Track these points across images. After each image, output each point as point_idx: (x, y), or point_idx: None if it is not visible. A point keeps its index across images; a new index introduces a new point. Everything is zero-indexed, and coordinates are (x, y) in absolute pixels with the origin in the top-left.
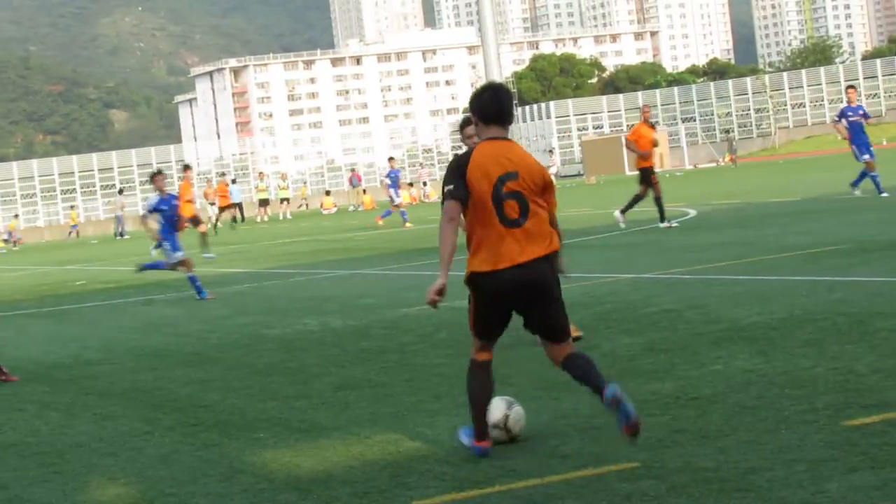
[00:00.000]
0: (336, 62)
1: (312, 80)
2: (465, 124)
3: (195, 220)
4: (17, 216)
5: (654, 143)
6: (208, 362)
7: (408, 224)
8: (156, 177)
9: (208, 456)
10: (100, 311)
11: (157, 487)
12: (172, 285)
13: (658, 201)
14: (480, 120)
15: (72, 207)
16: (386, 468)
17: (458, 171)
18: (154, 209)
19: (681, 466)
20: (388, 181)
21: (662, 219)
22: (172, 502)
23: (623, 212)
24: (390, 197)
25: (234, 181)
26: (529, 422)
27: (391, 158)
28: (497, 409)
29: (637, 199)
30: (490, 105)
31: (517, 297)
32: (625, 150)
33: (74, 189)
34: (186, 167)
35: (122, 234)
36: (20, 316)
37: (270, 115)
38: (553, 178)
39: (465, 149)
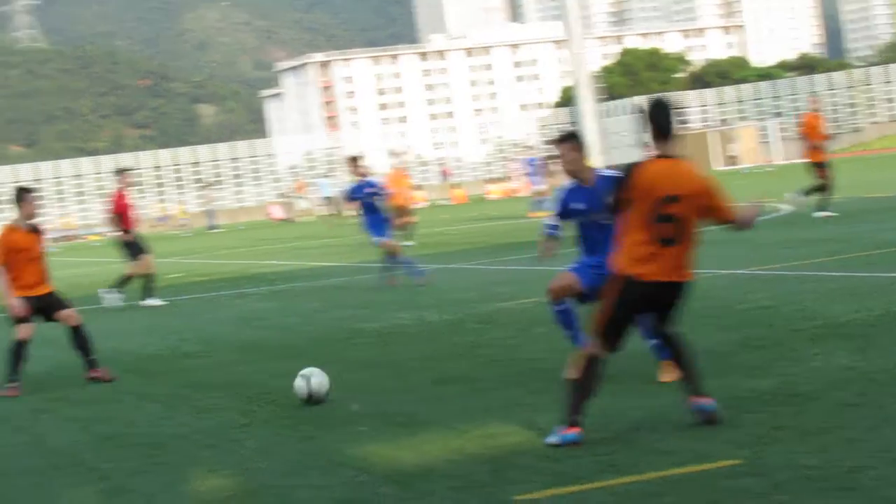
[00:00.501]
0: (422, 57)
1: (398, 75)
2: (564, 140)
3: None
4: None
5: (825, 135)
6: (304, 355)
7: (533, 214)
8: (353, 161)
9: (307, 448)
10: (196, 304)
11: (258, 479)
12: (266, 279)
13: (821, 189)
14: (657, 133)
15: (180, 203)
16: (485, 462)
17: (625, 182)
18: (352, 197)
19: (783, 464)
20: (527, 169)
21: (821, 208)
22: (273, 494)
23: (806, 194)
24: (532, 184)
25: (324, 175)
26: (630, 417)
27: (529, 147)
28: (300, 389)
29: (819, 189)
30: (665, 120)
31: (653, 308)
32: (713, 145)
33: (163, 183)
34: (398, 155)
35: (214, 228)
36: (120, 307)
37: (357, 110)
38: None
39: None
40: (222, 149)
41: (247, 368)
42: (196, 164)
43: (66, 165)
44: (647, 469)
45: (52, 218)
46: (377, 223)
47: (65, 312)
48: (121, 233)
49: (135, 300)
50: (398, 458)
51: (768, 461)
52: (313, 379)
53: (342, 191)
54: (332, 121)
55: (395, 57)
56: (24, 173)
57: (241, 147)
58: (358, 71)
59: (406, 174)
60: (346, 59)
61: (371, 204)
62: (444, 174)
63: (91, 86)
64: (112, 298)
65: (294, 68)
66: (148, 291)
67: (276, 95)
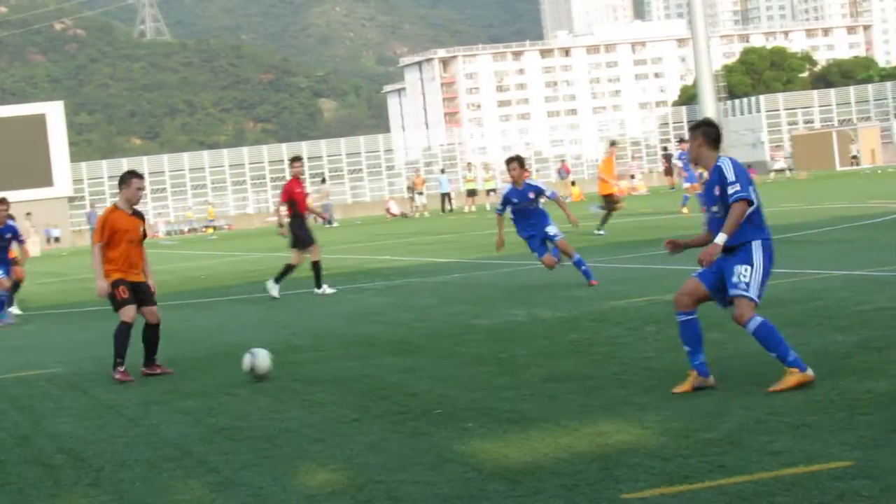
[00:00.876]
0: (545, 53)
1: (521, 72)
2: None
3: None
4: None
5: None
6: (416, 351)
7: (684, 209)
8: (511, 163)
9: (417, 444)
10: (308, 299)
11: (366, 474)
12: (381, 274)
13: None
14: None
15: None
16: (595, 461)
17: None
18: (505, 203)
19: (895, 467)
20: (680, 163)
21: None
22: (381, 489)
23: None
24: (682, 179)
25: (442, 171)
26: (740, 417)
27: (682, 140)
28: (246, 361)
29: None
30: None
31: None
32: (836, 145)
33: (284, 177)
34: (613, 143)
35: (329, 222)
36: (231, 301)
37: (479, 106)
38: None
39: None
40: (342, 144)
41: (358, 363)
42: (316, 158)
43: (187, 158)
44: (757, 469)
45: (172, 210)
46: (534, 224)
47: (149, 308)
48: (291, 220)
49: (255, 293)
50: (507, 455)
51: (880, 464)
52: (259, 358)
53: (504, 193)
54: (453, 117)
55: (518, 53)
56: (145, 165)
57: (361, 142)
58: (481, 67)
59: (614, 162)
60: (469, 56)
61: (527, 209)
62: (561, 172)
63: (214, 79)
64: (273, 288)
65: (417, 64)
66: (318, 280)
67: (398, 91)
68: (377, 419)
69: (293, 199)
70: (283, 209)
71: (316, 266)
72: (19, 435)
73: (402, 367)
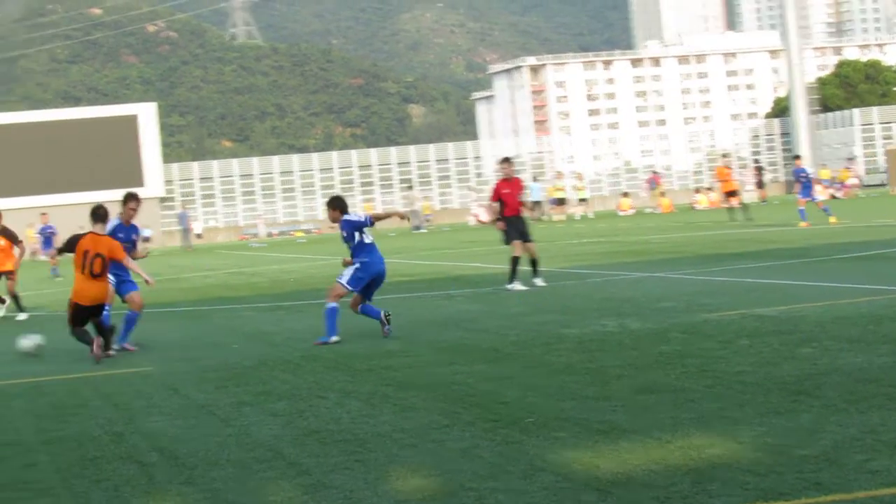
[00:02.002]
0: (635, 63)
1: (611, 81)
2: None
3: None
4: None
5: None
6: (507, 359)
7: (832, 219)
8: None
9: (508, 452)
10: (398, 304)
11: (457, 481)
12: (471, 281)
13: None
14: None
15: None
16: (688, 474)
17: None
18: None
19: None
20: (803, 177)
21: None
22: (472, 497)
23: None
24: (805, 195)
25: (535, 179)
26: (836, 434)
27: (797, 157)
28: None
29: None
30: None
31: None
32: None
33: (371, 182)
34: (725, 155)
35: (418, 228)
36: (322, 305)
37: (567, 115)
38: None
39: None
40: (431, 150)
41: (449, 370)
42: (404, 164)
43: (276, 161)
44: (855, 488)
45: (260, 213)
46: None
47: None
48: (498, 221)
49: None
50: (598, 466)
51: None
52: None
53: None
54: (541, 125)
55: (608, 63)
56: (235, 167)
57: (450, 149)
58: (570, 75)
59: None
60: (559, 64)
61: None
62: (653, 182)
63: (303, 83)
64: (514, 287)
65: (506, 71)
66: (514, 275)
67: (487, 98)
68: (468, 426)
69: (501, 199)
70: (496, 206)
71: (514, 261)
72: (113, 432)
73: (492, 375)
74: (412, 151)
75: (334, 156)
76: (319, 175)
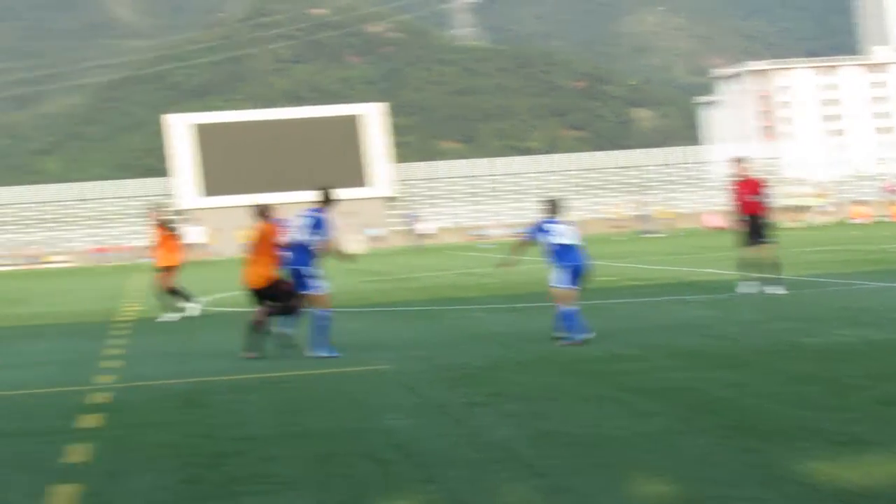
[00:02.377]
0: (863, 68)
1: (836, 87)
2: None
3: None
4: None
5: None
6: (744, 366)
7: None
8: None
9: (747, 460)
10: (630, 308)
11: (697, 488)
12: (706, 287)
13: None
14: None
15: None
16: None
17: None
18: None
19: None
20: None
21: None
22: None
23: None
24: None
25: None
26: None
27: None
28: None
29: None
30: None
31: None
32: None
33: (596, 185)
34: None
35: (647, 232)
36: (553, 308)
37: (793, 121)
38: None
39: None
40: (656, 154)
41: (685, 375)
42: (631, 168)
43: (500, 163)
44: None
45: (488, 214)
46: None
47: None
48: (741, 220)
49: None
50: (841, 478)
51: None
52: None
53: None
54: (767, 131)
55: (834, 68)
56: (462, 168)
57: (676, 153)
58: (796, 81)
59: None
60: (785, 69)
61: None
62: (888, 190)
63: (527, 85)
64: (748, 287)
65: (731, 76)
66: (760, 280)
67: (712, 102)
68: (705, 433)
69: (738, 200)
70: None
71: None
72: (352, 429)
73: (729, 382)
74: (637, 156)
75: (558, 158)
76: (543, 178)
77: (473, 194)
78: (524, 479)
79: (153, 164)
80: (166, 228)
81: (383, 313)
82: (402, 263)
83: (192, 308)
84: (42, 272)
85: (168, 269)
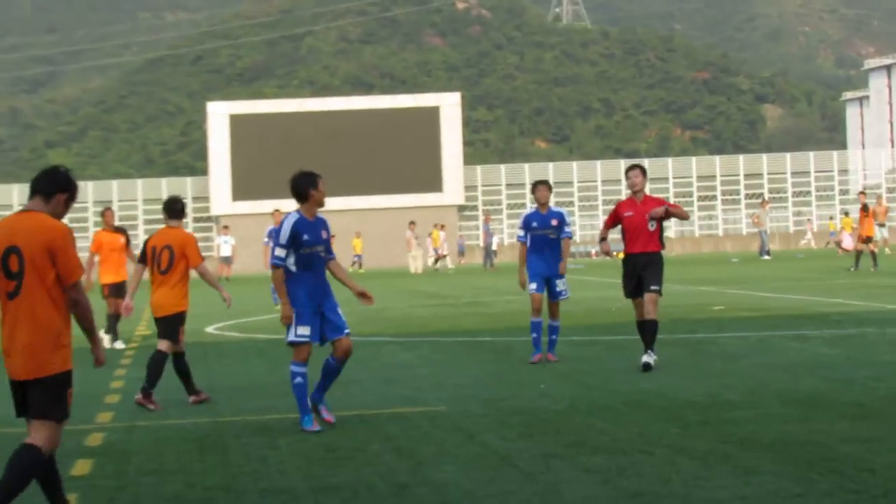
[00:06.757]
0: None
1: None
2: None
3: None
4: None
5: None
6: (875, 417)
7: None
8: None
9: None
10: (741, 344)
11: None
12: (830, 320)
13: None
14: None
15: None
16: None
17: None
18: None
19: None
20: None
21: None
22: None
23: None
24: None
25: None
26: None
27: None
28: None
29: None
30: None
31: None
32: None
33: (713, 195)
34: None
35: (766, 253)
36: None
37: None
38: None
39: None
40: (787, 160)
41: (803, 426)
42: (755, 176)
43: (599, 167)
44: None
45: (580, 229)
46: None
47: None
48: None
49: (676, 333)
50: None
51: None
52: None
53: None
54: None
55: None
56: (551, 172)
57: (811, 159)
58: None
59: None
60: None
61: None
62: None
63: (637, 76)
64: None
65: (885, 67)
66: None
67: (860, 99)
68: (825, 496)
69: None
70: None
71: None
72: (396, 482)
73: (856, 435)
74: (764, 161)
75: (669, 163)
76: (650, 186)
77: (564, 205)
78: None
79: (187, 160)
80: (121, 235)
81: (442, 344)
82: (473, 285)
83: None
84: None
85: (113, 287)
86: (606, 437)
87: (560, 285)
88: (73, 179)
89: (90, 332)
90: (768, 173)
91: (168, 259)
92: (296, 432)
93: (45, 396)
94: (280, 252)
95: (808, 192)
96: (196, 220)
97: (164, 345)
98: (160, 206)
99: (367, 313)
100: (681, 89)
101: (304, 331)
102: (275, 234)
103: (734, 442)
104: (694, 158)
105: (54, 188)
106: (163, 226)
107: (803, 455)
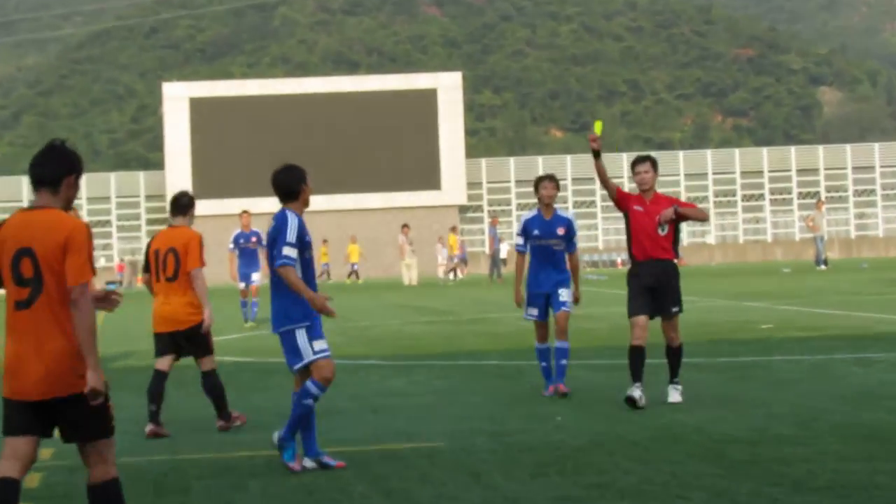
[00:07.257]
0: None
1: None
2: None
3: None
4: None
5: None
6: None
7: None
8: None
9: None
10: (794, 368)
11: None
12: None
13: None
14: None
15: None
16: None
17: None
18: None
19: None
20: None
21: None
22: None
23: None
24: None
25: None
26: None
27: None
28: None
29: None
30: None
31: None
32: None
33: (763, 195)
34: None
35: (822, 262)
36: (688, 367)
37: None
38: None
39: None
40: (847, 152)
41: (864, 466)
42: (809, 171)
43: (625, 161)
44: None
45: (602, 233)
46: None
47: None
48: None
49: (717, 356)
50: None
51: None
52: None
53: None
54: None
55: None
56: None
57: (875, 151)
58: None
59: None
60: None
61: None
62: None
63: (670, 52)
64: None
65: None
66: None
67: None
68: None
69: None
70: None
71: None
72: None
73: None
74: (820, 154)
75: (708, 156)
76: (686, 182)
77: (583, 204)
78: None
79: (139, 152)
80: None
81: (441, 368)
82: (478, 299)
83: None
84: None
85: None
86: (634, 479)
87: (564, 295)
88: (77, 153)
89: (87, 347)
90: (825, 168)
91: (174, 264)
92: (268, 472)
93: (85, 413)
94: (290, 251)
95: (873, 191)
96: (150, 222)
97: (163, 363)
98: (109, 206)
99: (352, 332)
100: (721, 69)
101: (323, 345)
102: (270, 235)
103: (785, 485)
104: (737, 150)
105: (59, 172)
106: (164, 226)
107: (865, 500)
